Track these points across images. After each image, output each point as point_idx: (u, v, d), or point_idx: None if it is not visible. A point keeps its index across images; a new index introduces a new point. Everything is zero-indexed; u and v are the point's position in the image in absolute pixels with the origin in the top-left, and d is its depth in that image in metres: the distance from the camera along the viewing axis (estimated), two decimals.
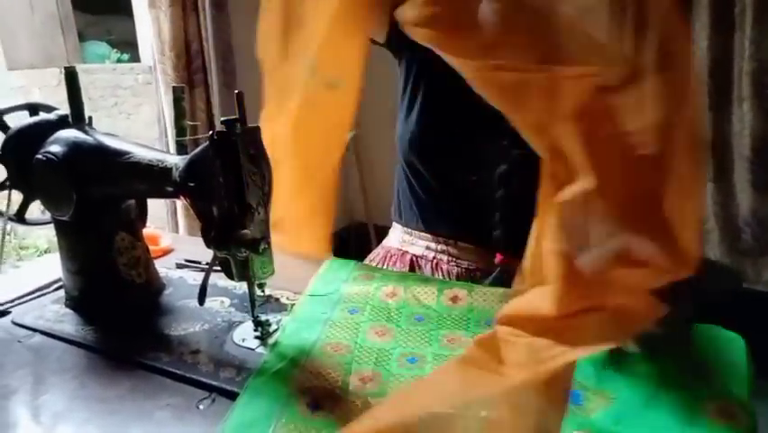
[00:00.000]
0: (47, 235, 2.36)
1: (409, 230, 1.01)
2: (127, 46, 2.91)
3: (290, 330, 0.72)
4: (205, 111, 2.02)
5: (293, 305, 0.79)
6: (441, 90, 0.92)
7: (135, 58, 2.45)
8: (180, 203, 1.91)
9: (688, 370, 0.60)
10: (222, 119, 0.64)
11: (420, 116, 0.94)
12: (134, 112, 2.32)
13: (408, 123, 0.95)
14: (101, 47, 3.16)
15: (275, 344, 0.69)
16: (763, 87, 2.00)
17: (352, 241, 2.55)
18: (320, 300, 0.79)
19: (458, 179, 0.94)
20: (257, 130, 0.66)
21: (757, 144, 2.05)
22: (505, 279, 0.92)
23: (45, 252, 2.32)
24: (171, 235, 1.09)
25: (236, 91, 0.66)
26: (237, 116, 0.64)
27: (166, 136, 2.08)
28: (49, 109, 0.86)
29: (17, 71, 2.47)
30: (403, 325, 0.73)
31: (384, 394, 0.60)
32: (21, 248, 2.37)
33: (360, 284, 0.83)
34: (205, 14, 1.97)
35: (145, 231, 0.86)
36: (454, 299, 0.78)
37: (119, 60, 2.90)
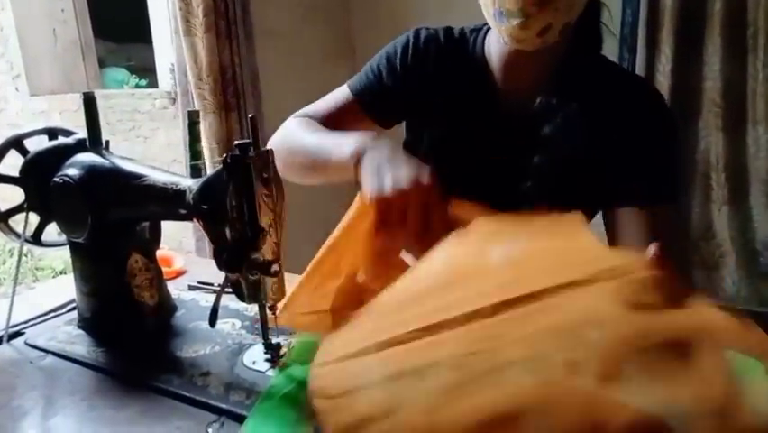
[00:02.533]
0: (62, 257, 2.40)
1: None
2: (145, 72, 2.99)
3: (298, 352, 0.72)
4: (240, 135, 2.06)
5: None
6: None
7: (153, 83, 2.51)
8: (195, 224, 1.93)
9: None
10: (236, 142, 0.65)
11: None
12: (151, 136, 2.36)
13: None
14: (120, 73, 3.25)
15: (283, 366, 0.69)
16: None
17: None
18: None
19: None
20: (270, 153, 0.67)
21: None
22: None
23: (61, 273, 2.35)
24: (184, 257, 1.10)
25: (250, 115, 0.67)
26: (250, 140, 0.65)
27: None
28: (67, 133, 0.88)
29: (39, 97, 2.54)
30: None
31: None
32: (37, 269, 2.41)
33: None
34: (238, 41, 2.02)
35: (159, 252, 0.87)
36: None
37: (137, 86, 2.97)
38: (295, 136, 0.88)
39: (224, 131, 2.02)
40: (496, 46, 0.88)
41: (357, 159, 0.70)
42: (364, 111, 0.93)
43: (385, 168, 0.65)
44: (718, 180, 2.12)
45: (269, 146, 0.84)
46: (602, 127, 0.83)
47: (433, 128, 0.92)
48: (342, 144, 0.74)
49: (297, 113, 0.96)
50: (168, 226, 0.87)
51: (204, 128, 2.03)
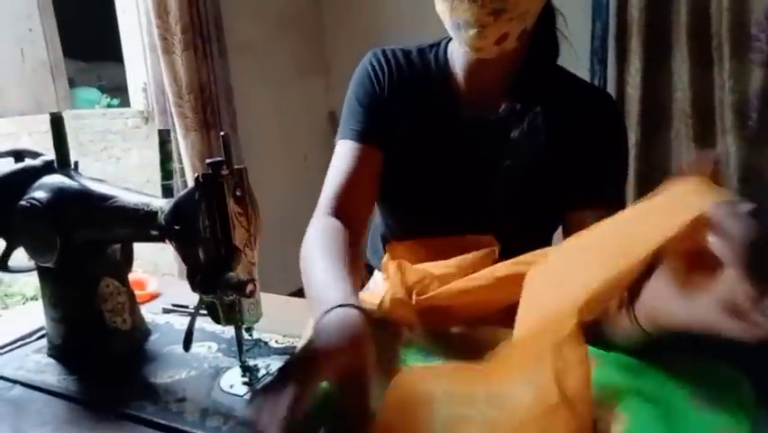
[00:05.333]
0: (34, 283, 2.33)
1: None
2: (117, 91, 2.95)
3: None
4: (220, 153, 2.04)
5: (285, 349, 0.77)
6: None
7: (125, 103, 2.47)
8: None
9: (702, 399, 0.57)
10: (207, 161, 0.64)
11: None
12: (123, 156, 2.32)
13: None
14: (91, 93, 3.20)
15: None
16: (745, 118, 2.03)
17: None
18: None
19: (446, 219, 0.91)
20: (243, 171, 0.66)
21: (743, 175, 2.07)
22: None
23: (32, 299, 2.28)
24: (159, 279, 1.07)
25: (222, 133, 0.66)
26: (222, 158, 0.64)
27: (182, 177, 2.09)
28: (34, 155, 0.85)
29: (7, 119, 2.48)
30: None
31: None
32: (6, 296, 2.34)
33: None
34: (212, 58, 2.01)
35: (131, 275, 0.85)
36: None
37: (109, 105, 2.93)
38: (307, 261, 0.78)
39: (206, 149, 2.00)
40: (457, 54, 0.90)
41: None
42: (375, 147, 0.89)
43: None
44: None
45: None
46: (562, 131, 0.86)
47: (399, 139, 0.91)
48: (317, 307, 0.66)
49: (317, 210, 0.87)
50: (143, 249, 0.85)
51: (185, 147, 2.01)
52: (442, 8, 0.80)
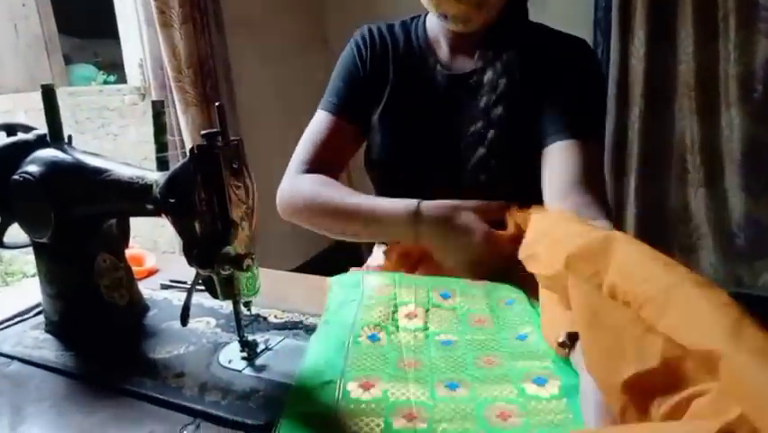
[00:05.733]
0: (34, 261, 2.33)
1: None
2: (114, 68, 2.91)
3: (310, 365, 0.64)
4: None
5: (284, 324, 0.77)
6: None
7: (122, 79, 2.44)
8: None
9: None
10: (202, 132, 0.62)
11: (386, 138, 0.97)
12: (121, 133, 2.30)
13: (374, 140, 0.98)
14: (88, 69, 3.16)
15: (297, 384, 0.62)
16: (750, 91, 2.00)
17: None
18: (337, 327, 0.72)
19: (437, 171, 0.94)
20: (240, 143, 0.64)
21: (747, 148, 2.05)
22: None
23: (33, 276, 2.28)
24: (157, 255, 1.06)
25: (216, 104, 0.64)
26: (218, 129, 0.62)
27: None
28: (27, 129, 0.83)
29: (3, 95, 2.45)
30: (432, 353, 0.66)
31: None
32: (6, 274, 2.34)
33: (376, 304, 0.75)
34: (210, 33, 1.98)
35: (129, 251, 0.84)
36: (479, 321, 0.72)
37: (105, 82, 2.90)
38: (326, 199, 0.91)
39: (206, 123, 1.98)
40: (439, 26, 0.96)
41: (414, 220, 0.81)
42: (350, 123, 0.98)
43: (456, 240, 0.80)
44: (694, 163, 2.14)
45: (278, 203, 0.96)
46: (535, 69, 0.89)
47: (383, 106, 0.96)
48: (394, 209, 0.84)
49: (291, 168, 0.97)
50: (142, 226, 0.84)
51: (185, 121, 1.99)
52: (426, 1, 0.87)
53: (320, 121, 0.98)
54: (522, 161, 0.89)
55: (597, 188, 0.83)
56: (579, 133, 0.85)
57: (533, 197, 0.92)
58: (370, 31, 1.00)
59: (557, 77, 0.89)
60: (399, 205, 0.84)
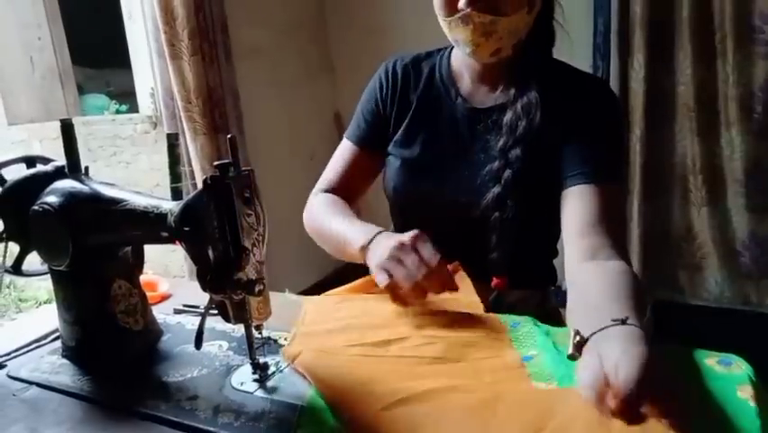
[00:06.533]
0: (47, 287, 2.36)
1: None
2: (125, 97, 2.97)
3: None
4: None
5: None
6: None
7: (134, 108, 2.50)
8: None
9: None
10: (215, 163, 0.65)
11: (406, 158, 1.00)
12: (133, 161, 2.35)
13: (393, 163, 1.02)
14: (100, 99, 3.23)
15: (308, 405, 0.65)
16: (749, 111, 2.03)
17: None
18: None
19: (449, 205, 0.95)
20: (251, 173, 0.67)
21: (749, 168, 2.07)
22: (500, 303, 0.92)
23: (45, 303, 2.31)
24: (170, 281, 1.09)
25: (228, 136, 0.68)
26: (230, 160, 0.65)
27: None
28: (45, 161, 0.87)
29: (18, 126, 2.51)
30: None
31: None
32: (20, 300, 2.37)
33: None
34: (219, 62, 2.03)
35: (143, 277, 0.86)
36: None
37: (118, 111, 2.96)
38: (319, 221, 1.00)
39: (215, 152, 2.02)
40: (462, 57, 0.96)
41: (365, 252, 0.85)
42: (371, 152, 1.04)
43: (391, 262, 0.78)
44: (696, 183, 2.16)
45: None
46: (555, 111, 0.89)
47: (401, 136, 1.00)
48: (354, 237, 0.88)
49: (316, 188, 1.07)
50: (153, 251, 0.87)
51: (194, 150, 2.02)
52: (442, 25, 0.89)
53: (343, 148, 1.07)
54: (537, 202, 0.90)
55: (614, 230, 0.84)
56: (599, 178, 0.86)
57: (543, 237, 0.97)
58: (394, 65, 1.03)
59: (578, 119, 0.89)
60: (360, 234, 0.87)
